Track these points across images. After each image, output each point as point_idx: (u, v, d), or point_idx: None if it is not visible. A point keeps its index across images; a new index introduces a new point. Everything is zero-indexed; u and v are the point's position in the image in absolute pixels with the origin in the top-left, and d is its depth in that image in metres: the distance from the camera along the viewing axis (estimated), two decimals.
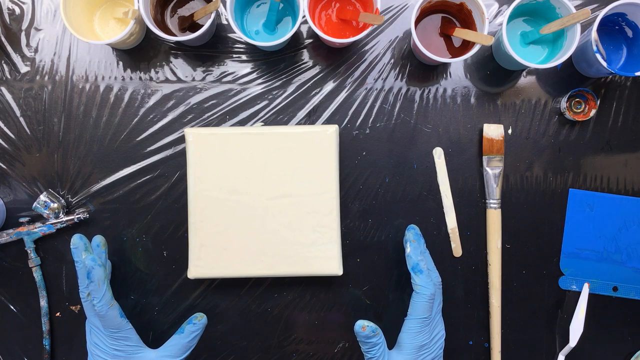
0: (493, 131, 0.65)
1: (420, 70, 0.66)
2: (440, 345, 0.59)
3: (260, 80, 0.66)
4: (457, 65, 0.66)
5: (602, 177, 0.66)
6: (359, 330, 0.56)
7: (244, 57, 0.66)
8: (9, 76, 0.66)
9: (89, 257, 0.57)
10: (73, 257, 0.58)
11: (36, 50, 0.66)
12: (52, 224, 0.64)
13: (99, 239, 0.60)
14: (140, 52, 0.66)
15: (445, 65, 0.66)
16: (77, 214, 0.64)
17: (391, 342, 0.60)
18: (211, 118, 0.66)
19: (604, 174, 0.66)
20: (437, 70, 0.66)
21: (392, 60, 0.66)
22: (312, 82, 0.66)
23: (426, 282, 0.57)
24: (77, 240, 0.58)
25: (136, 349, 0.58)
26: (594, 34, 0.58)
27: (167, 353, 0.58)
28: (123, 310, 0.58)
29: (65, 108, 0.66)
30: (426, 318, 0.57)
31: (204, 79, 0.66)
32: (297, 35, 0.66)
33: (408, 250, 0.59)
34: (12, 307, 0.66)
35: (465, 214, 0.66)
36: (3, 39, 0.66)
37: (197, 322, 0.59)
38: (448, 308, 0.64)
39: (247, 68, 0.66)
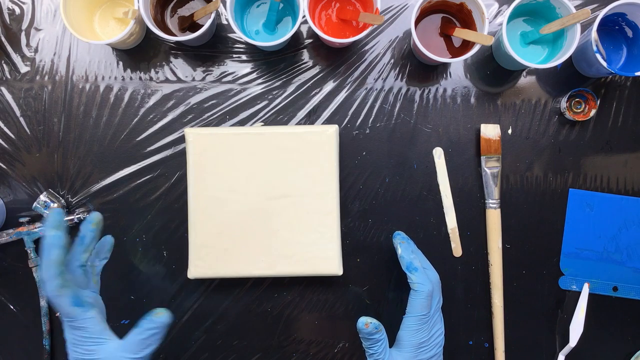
0: (490, 131, 0.64)
1: (420, 70, 0.66)
2: (439, 342, 0.59)
3: (260, 80, 0.66)
4: (457, 65, 0.66)
5: (602, 177, 0.66)
6: (362, 327, 0.56)
7: (244, 57, 0.66)
8: (9, 76, 0.66)
9: (53, 233, 0.48)
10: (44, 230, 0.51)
11: (36, 50, 0.66)
12: None
13: (94, 215, 0.55)
14: (140, 52, 0.66)
15: (445, 65, 0.66)
16: (77, 214, 0.64)
17: (391, 341, 0.60)
18: (211, 118, 0.66)
19: (604, 174, 0.66)
20: (437, 70, 0.66)
21: (392, 60, 0.66)
22: (312, 82, 0.66)
23: (422, 279, 0.57)
24: (54, 215, 0.49)
25: (94, 341, 0.51)
26: (594, 34, 0.58)
27: (125, 349, 0.51)
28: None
29: (65, 108, 0.66)
30: (424, 315, 0.57)
31: (204, 79, 0.66)
32: (297, 35, 0.66)
33: (399, 251, 0.60)
34: (12, 307, 0.66)
35: (465, 214, 0.66)
36: (3, 39, 0.66)
37: (154, 319, 0.52)
38: (448, 308, 0.64)
39: (247, 68, 0.66)
